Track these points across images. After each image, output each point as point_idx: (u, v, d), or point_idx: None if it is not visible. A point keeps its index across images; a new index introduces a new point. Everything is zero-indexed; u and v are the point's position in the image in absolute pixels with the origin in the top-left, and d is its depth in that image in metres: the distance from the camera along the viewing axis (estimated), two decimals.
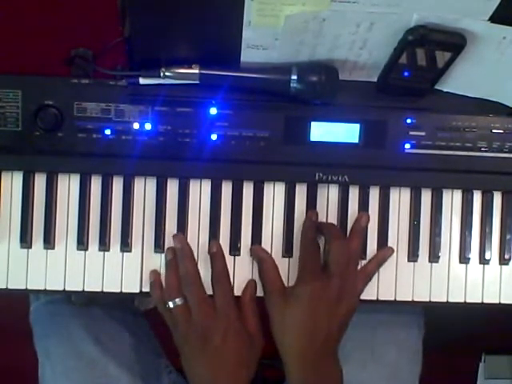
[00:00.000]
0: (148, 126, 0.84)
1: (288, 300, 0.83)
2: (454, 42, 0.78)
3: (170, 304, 0.83)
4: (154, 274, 0.85)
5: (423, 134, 0.87)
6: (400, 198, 0.89)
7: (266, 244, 0.87)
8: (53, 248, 0.85)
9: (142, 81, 0.82)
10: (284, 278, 0.86)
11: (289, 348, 0.82)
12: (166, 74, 0.81)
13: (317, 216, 0.87)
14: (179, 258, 0.84)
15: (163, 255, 0.86)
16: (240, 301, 0.85)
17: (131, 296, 0.87)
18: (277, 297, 0.83)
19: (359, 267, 0.86)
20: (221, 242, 0.87)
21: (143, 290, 0.86)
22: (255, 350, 0.84)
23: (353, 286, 0.84)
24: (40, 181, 0.85)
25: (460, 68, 0.83)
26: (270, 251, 0.87)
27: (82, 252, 0.86)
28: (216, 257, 0.85)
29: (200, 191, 0.87)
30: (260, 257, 0.86)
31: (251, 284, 0.86)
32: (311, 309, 0.81)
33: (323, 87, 0.82)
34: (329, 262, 0.83)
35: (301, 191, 0.88)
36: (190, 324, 0.82)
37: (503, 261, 0.90)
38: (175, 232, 0.86)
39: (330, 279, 0.82)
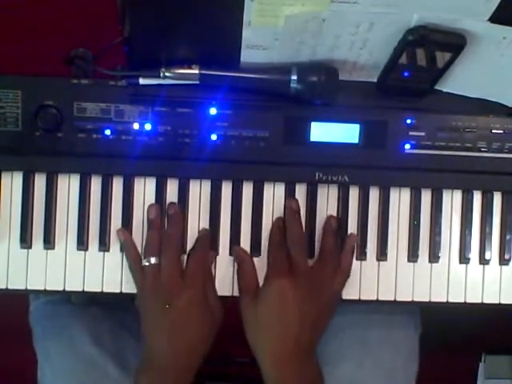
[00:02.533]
0: (148, 127, 0.84)
1: (258, 300, 0.83)
2: (454, 43, 0.78)
3: (145, 262, 0.83)
4: (124, 232, 0.85)
5: (423, 134, 0.87)
6: (400, 198, 0.89)
7: (265, 244, 0.87)
8: (53, 248, 0.85)
9: (141, 81, 0.82)
10: None
11: (262, 348, 0.82)
12: (166, 74, 0.81)
13: (283, 222, 0.86)
14: (170, 223, 0.85)
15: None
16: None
17: (131, 296, 0.86)
18: (249, 297, 0.84)
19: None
20: (220, 242, 0.87)
21: None
22: (215, 323, 0.84)
23: (327, 285, 0.83)
24: (40, 181, 0.85)
25: (460, 68, 0.83)
26: None
27: (82, 252, 0.86)
28: (203, 239, 0.85)
29: (200, 191, 0.87)
30: (240, 257, 0.86)
31: (211, 254, 0.86)
32: (280, 307, 0.81)
33: (323, 87, 0.82)
34: (293, 263, 0.83)
35: (301, 191, 0.88)
36: (157, 286, 0.82)
37: (503, 261, 0.90)
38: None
39: (297, 276, 0.82)
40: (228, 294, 0.87)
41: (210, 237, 0.86)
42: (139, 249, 0.85)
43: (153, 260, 0.83)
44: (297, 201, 0.86)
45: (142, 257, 0.84)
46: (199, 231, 0.86)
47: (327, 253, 0.85)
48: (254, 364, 0.84)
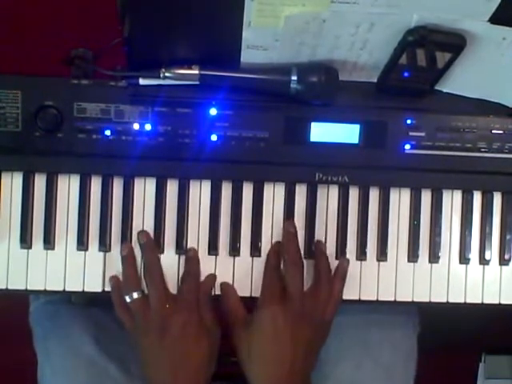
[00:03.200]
0: (148, 127, 0.84)
1: (249, 328, 0.82)
2: (454, 43, 0.78)
3: (127, 298, 0.82)
4: (112, 278, 0.85)
5: (423, 134, 0.87)
6: (400, 199, 0.89)
7: (265, 244, 0.87)
8: (53, 248, 0.85)
9: (141, 81, 0.82)
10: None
11: (256, 377, 0.81)
12: (166, 74, 0.81)
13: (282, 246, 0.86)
14: (145, 251, 0.84)
15: (162, 256, 0.86)
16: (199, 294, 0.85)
17: None
18: (239, 327, 0.83)
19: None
20: (220, 242, 0.87)
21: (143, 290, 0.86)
22: (214, 342, 0.84)
23: (320, 312, 0.83)
24: (40, 181, 0.85)
25: (460, 69, 0.83)
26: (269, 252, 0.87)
27: (82, 252, 0.86)
28: (192, 261, 0.85)
29: (200, 192, 0.87)
30: (226, 292, 0.85)
31: (211, 278, 0.86)
32: (272, 334, 0.81)
33: (323, 88, 0.82)
34: (287, 286, 0.83)
35: (301, 192, 0.88)
36: (149, 317, 0.82)
37: (503, 261, 0.90)
38: (174, 233, 0.86)
39: (289, 302, 0.81)
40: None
41: (198, 259, 0.85)
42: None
43: (135, 295, 0.83)
44: (294, 223, 0.86)
45: (124, 294, 0.83)
46: (187, 251, 0.86)
47: (322, 278, 0.84)
48: None
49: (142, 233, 0.85)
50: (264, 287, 0.85)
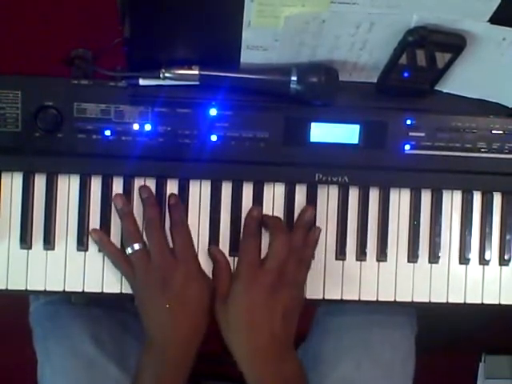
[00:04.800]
0: (148, 127, 0.84)
1: (227, 301, 0.82)
2: (454, 43, 0.78)
3: (129, 250, 0.83)
4: (98, 232, 0.85)
5: (423, 134, 0.87)
6: (400, 199, 0.89)
7: (265, 244, 0.87)
8: (53, 249, 0.85)
9: (141, 82, 0.82)
10: None
11: (237, 348, 0.81)
12: (166, 74, 0.81)
13: (259, 211, 0.86)
14: (146, 205, 0.84)
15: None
16: None
17: (131, 296, 0.86)
18: (221, 299, 0.83)
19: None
20: (221, 242, 0.87)
21: None
22: (210, 290, 0.84)
23: (293, 277, 0.83)
24: (40, 181, 0.85)
25: (460, 69, 0.83)
26: None
27: (82, 253, 0.86)
28: (175, 207, 0.85)
29: (200, 192, 0.87)
30: (216, 258, 0.86)
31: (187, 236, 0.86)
32: (248, 303, 0.81)
33: (323, 88, 0.82)
34: (267, 256, 0.83)
35: (301, 192, 0.88)
36: (150, 269, 0.82)
37: (503, 261, 0.90)
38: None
39: (264, 272, 0.81)
40: None
41: (181, 205, 0.85)
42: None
43: (136, 246, 0.83)
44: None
45: (126, 247, 0.84)
46: (169, 200, 0.85)
47: (294, 248, 0.84)
48: None
49: (144, 188, 0.85)
50: (240, 257, 0.84)
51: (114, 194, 0.86)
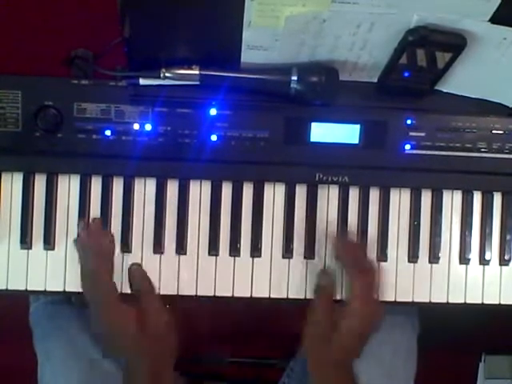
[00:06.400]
0: (148, 127, 0.84)
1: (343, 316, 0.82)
2: (455, 43, 0.78)
3: None
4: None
5: (423, 134, 0.87)
6: (400, 199, 0.89)
7: (265, 245, 0.87)
8: (53, 249, 0.85)
9: (142, 81, 0.82)
10: (284, 279, 0.87)
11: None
12: (166, 74, 0.81)
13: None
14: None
15: (162, 256, 0.86)
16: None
17: (131, 296, 0.86)
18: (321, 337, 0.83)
19: None
20: (221, 242, 0.87)
21: None
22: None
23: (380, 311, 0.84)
24: (40, 181, 0.85)
25: (460, 69, 0.83)
26: (269, 252, 0.87)
27: None
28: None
29: (200, 192, 0.87)
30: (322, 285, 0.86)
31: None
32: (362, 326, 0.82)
33: (323, 88, 0.82)
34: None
35: (301, 192, 0.88)
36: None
37: (503, 261, 0.90)
38: (174, 233, 0.86)
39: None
40: (228, 294, 0.87)
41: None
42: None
43: None
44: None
45: None
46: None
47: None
48: (251, 364, 0.83)
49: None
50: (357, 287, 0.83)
51: (114, 194, 0.86)
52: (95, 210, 0.86)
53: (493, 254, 0.90)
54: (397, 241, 0.89)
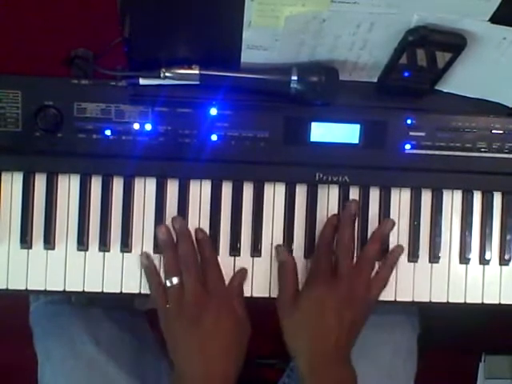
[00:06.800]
0: (148, 127, 0.84)
1: (296, 303, 0.83)
2: (455, 43, 0.78)
3: (168, 283, 0.83)
4: (148, 259, 0.85)
5: (423, 134, 0.87)
6: (400, 199, 0.89)
7: (265, 245, 0.87)
8: (53, 248, 0.85)
9: (142, 81, 0.82)
10: None
11: (300, 353, 0.82)
12: (166, 74, 0.81)
13: (337, 219, 0.86)
14: (179, 240, 0.85)
15: (162, 256, 0.86)
16: (229, 286, 0.85)
17: (131, 296, 0.86)
18: (288, 301, 0.84)
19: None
20: (221, 242, 0.87)
21: (143, 290, 0.86)
22: (245, 337, 0.84)
23: (365, 291, 0.84)
24: (40, 181, 0.85)
25: (460, 68, 0.83)
26: (269, 252, 0.87)
27: (82, 252, 0.86)
28: (204, 242, 0.85)
29: (200, 191, 0.87)
30: (282, 258, 0.86)
31: (242, 272, 0.86)
32: (318, 312, 0.82)
33: (323, 88, 0.82)
34: (338, 266, 0.83)
35: (301, 192, 0.88)
36: (183, 304, 0.82)
37: (503, 261, 0.90)
38: (174, 233, 0.86)
39: (338, 283, 0.82)
40: None
41: (210, 241, 0.86)
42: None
43: (175, 280, 0.83)
44: (357, 203, 0.86)
45: (165, 279, 0.84)
46: (197, 235, 0.86)
47: (369, 259, 0.85)
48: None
49: (177, 219, 0.85)
50: (314, 264, 0.85)
51: (114, 194, 0.86)
52: (95, 210, 0.86)
53: (493, 253, 0.90)
54: (397, 241, 0.88)
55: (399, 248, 0.87)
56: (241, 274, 0.86)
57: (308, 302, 0.82)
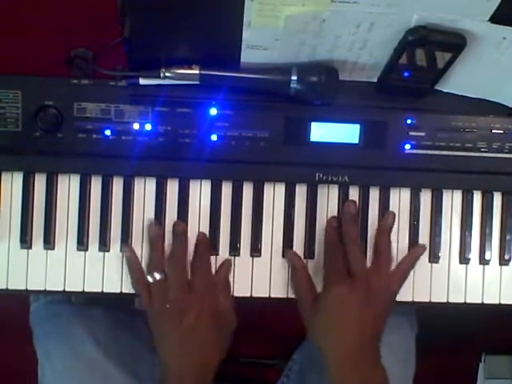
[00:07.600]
0: (148, 127, 0.84)
1: (317, 305, 0.83)
2: (454, 43, 0.78)
3: (150, 278, 0.83)
4: (130, 252, 0.85)
5: (423, 134, 0.87)
6: (400, 199, 0.89)
7: (265, 244, 0.87)
8: (53, 248, 0.85)
9: (141, 81, 0.82)
10: (284, 278, 0.87)
11: (328, 353, 0.82)
12: (166, 74, 0.81)
13: (337, 221, 0.87)
14: (175, 239, 0.85)
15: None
16: (214, 278, 0.86)
17: (131, 296, 0.86)
18: (307, 306, 0.84)
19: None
20: (221, 242, 0.87)
21: None
22: (228, 329, 0.85)
23: (383, 284, 0.84)
24: (40, 181, 0.85)
25: (460, 68, 0.83)
26: (269, 252, 0.87)
27: (82, 252, 0.86)
28: (202, 243, 0.86)
29: (200, 191, 0.87)
30: (294, 265, 0.86)
31: (226, 263, 0.86)
32: (340, 313, 0.82)
33: (323, 88, 0.82)
34: (350, 265, 0.83)
35: (301, 192, 0.88)
36: (166, 300, 0.82)
37: (503, 261, 0.90)
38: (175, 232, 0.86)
39: (355, 280, 0.82)
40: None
41: (208, 242, 0.86)
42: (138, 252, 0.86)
43: (157, 276, 0.83)
44: (355, 204, 0.87)
45: (147, 273, 0.84)
46: (197, 236, 0.86)
47: (383, 253, 0.85)
48: (250, 364, 0.84)
49: (179, 225, 0.85)
50: (328, 264, 0.85)
51: (114, 194, 0.86)
52: (95, 210, 0.86)
53: (493, 253, 0.90)
54: (397, 241, 0.88)
55: (423, 247, 0.88)
56: (226, 266, 0.86)
57: (328, 303, 0.83)
